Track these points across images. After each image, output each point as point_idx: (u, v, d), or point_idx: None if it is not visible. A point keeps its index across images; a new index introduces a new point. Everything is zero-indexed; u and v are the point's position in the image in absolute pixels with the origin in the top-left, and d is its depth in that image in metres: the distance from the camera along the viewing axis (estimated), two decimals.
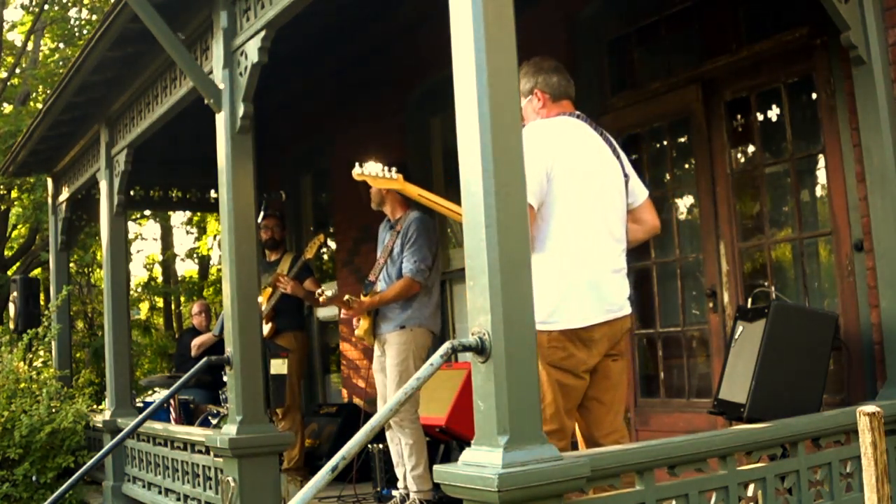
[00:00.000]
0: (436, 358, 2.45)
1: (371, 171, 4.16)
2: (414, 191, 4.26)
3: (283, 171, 9.04)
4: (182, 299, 17.98)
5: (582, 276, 3.15)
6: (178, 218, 18.17)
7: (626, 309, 3.29)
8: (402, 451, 4.98)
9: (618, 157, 3.41)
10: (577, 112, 3.43)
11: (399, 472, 5.08)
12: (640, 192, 3.50)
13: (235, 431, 4.24)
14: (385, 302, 5.03)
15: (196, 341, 7.99)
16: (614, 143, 3.44)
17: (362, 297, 5.09)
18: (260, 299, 5.44)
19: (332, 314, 8.42)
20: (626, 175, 3.42)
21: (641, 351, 5.35)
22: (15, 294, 8.98)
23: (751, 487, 3.02)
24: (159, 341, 16.13)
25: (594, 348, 3.17)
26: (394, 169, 4.26)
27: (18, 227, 13.92)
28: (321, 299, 5.38)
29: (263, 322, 6.09)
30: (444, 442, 5.53)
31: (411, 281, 4.96)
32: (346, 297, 5.14)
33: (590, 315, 3.14)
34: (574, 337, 3.13)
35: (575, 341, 3.13)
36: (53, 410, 6.60)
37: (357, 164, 4.18)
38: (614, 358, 3.29)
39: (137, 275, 19.86)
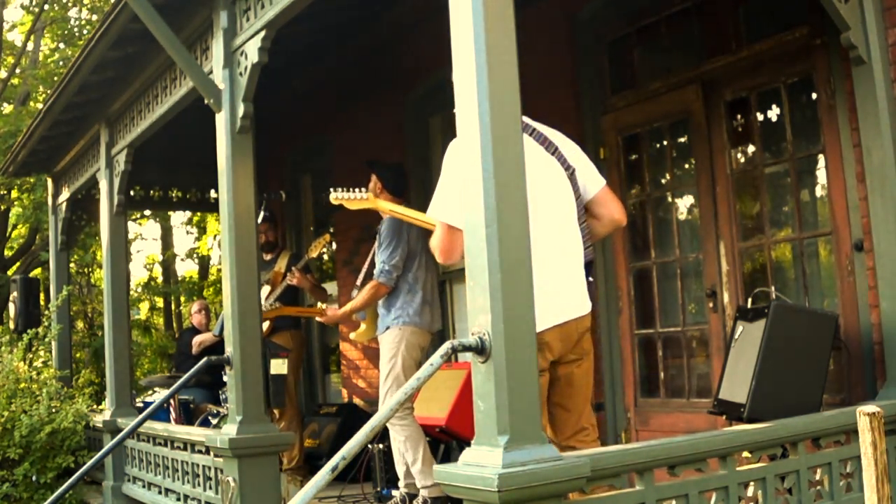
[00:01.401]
0: (436, 358, 2.45)
1: (344, 196, 4.66)
2: (385, 206, 4.69)
3: (283, 171, 9.03)
4: (182, 299, 17.98)
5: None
6: (178, 218, 18.20)
7: (582, 309, 3.21)
8: (400, 447, 4.98)
9: (555, 152, 3.26)
10: None
11: (400, 470, 5.07)
12: (591, 184, 3.32)
13: (235, 431, 4.24)
14: (356, 309, 5.12)
15: (197, 339, 8.00)
16: (549, 138, 3.28)
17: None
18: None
19: None
20: (569, 168, 3.26)
21: (641, 351, 5.35)
22: (15, 294, 8.98)
23: (751, 487, 3.02)
24: (159, 341, 16.15)
25: (546, 351, 3.10)
26: (363, 189, 4.77)
27: (18, 227, 13.93)
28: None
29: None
30: (444, 442, 5.53)
31: (377, 284, 4.97)
32: (320, 307, 5.25)
33: (539, 321, 3.09)
34: None
35: None
36: (53, 410, 6.60)
37: (331, 189, 4.63)
38: (578, 364, 3.24)
39: (137, 275, 19.89)
